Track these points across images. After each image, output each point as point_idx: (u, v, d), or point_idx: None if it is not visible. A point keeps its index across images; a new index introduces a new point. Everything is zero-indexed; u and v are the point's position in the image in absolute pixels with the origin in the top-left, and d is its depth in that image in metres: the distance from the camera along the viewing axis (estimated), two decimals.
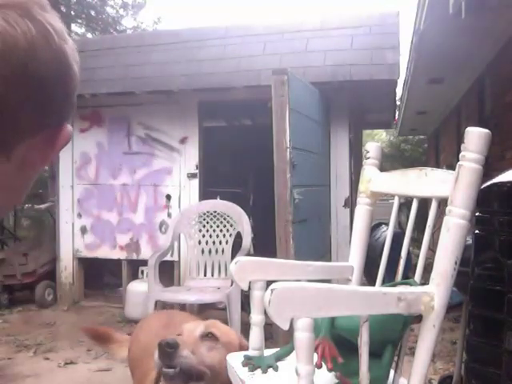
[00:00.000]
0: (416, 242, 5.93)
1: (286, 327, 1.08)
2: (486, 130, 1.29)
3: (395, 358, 1.39)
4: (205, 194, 4.98)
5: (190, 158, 4.92)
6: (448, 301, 1.27)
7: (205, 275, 4.07)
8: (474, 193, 1.27)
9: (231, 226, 4.13)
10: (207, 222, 4.18)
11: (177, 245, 4.52)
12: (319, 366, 1.24)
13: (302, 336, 1.09)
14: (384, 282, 1.62)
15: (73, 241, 5.18)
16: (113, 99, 4.96)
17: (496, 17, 3.62)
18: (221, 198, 4.66)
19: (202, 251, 4.12)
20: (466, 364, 1.57)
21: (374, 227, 5.42)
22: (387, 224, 3.49)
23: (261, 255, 1.76)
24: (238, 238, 4.07)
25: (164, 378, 1.55)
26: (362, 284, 1.87)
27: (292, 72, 3.38)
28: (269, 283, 1.19)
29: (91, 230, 5.14)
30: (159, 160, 4.99)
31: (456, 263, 1.27)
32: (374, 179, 1.68)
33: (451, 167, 1.37)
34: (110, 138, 5.12)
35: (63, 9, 13.42)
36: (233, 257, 3.50)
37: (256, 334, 1.56)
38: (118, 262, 5.06)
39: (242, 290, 3.25)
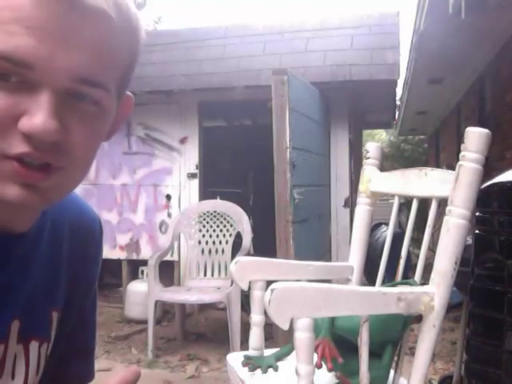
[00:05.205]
0: (416, 241, 5.93)
1: (286, 327, 1.08)
2: (486, 130, 1.29)
3: (395, 358, 1.39)
4: (205, 194, 4.98)
5: (189, 158, 4.92)
6: (448, 301, 1.27)
7: (205, 275, 4.07)
8: (474, 193, 1.27)
9: (231, 226, 4.13)
10: (207, 222, 4.18)
11: (177, 245, 4.52)
12: (319, 366, 1.24)
13: (302, 336, 1.09)
14: (384, 282, 1.62)
15: None
16: None
17: (496, 17, 3.62)
18: (221, 198, 4.65)
19: (202, 251, 4.12)
20: (466, 364, 1.57)
21: (374, 227, 5.42)
22: (387, 224, 3.49)
23: (261, 255, 1.76)
24: (238, 237, 4.06)
25: None
26: (362, 284, 1.87)
27: (292, 72, 3.38)
28: (269, 283, 1.19)
29: None
30: (159, 160, 4.99)
31: (456, 263, 1.27)
32: (373, 179, 1.68)
33: (451, 167, 1.36)
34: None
35: None
36: (233, 257, 3.50)
37: (256, 334, 1.56)
38: (118, 261, 5.06)
39: (242, 290, 3.25)
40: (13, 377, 0.60)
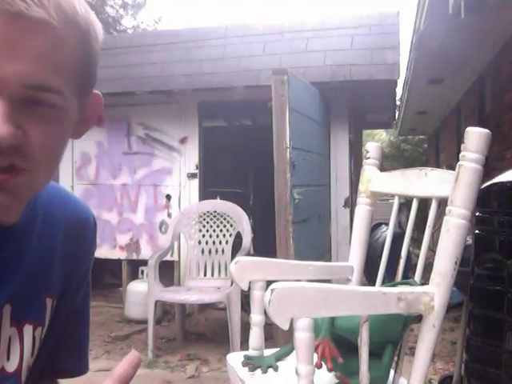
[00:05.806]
0: (416, 241, 5.93)
1: (286, 327, 1.08)
2: (486, 130, 1.29)
3: (395, 358, 1.39)
4: (205, 194, 4.98)
5: (189, 158, 4.92)
6: (448, 301, 1.27)
7: (205, 275, 4.07)
8: (473, 193, 1.27)
9: (231, 226, 4.13)
10: (207, 222, 4.18)
11: (177, 245, 4.52)
12: (319, 366, 1.24)
13: (302, 336, 1.09)
14: (384, 282, 1.62)
15: None
16: (113, 99, 4.94)
17: (496, 17, 3.62)
18: (221, 198, 4.65)
19: (202, 251, 4.12)
20: (466, 364, 1.57)
21: (374, 227, 5.42)
22: (387, 224, 3.49)
23: (261, 255, 1.76)
24: (238, 237, 4.06)
25: None
26: (362, 284, 1.87)
27: (292, 72, 3.38)
28: (269, 283, 1.19)
29: None
30: (159, 160, 4.99)
31: (456, 263, 1.27)
32: (374, 179, 1.68)
33: (451, 167, 1.36)
34: (110, 138, 5.11)
35: None
36: (233, 257, 3.50)
37: (256, 334, 1.56)
38: (118, 261, 5.05)
39: (242, 290, 3.25)
40: (8, 358, 0.64)
